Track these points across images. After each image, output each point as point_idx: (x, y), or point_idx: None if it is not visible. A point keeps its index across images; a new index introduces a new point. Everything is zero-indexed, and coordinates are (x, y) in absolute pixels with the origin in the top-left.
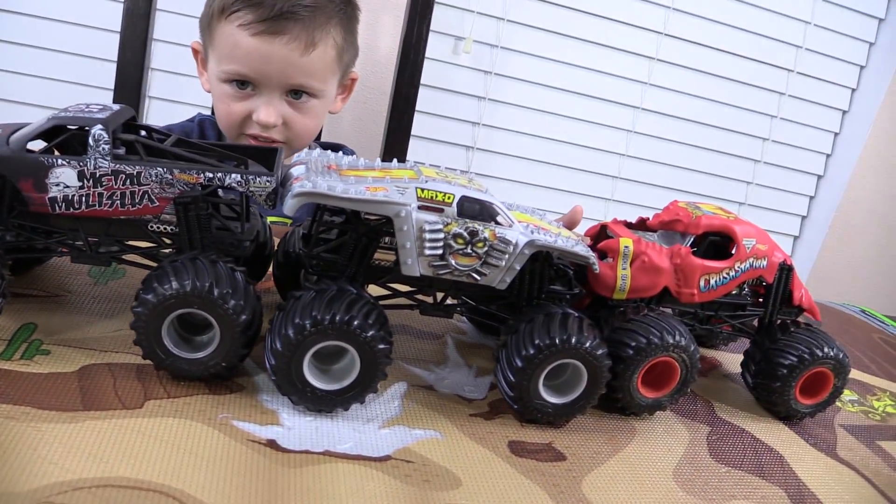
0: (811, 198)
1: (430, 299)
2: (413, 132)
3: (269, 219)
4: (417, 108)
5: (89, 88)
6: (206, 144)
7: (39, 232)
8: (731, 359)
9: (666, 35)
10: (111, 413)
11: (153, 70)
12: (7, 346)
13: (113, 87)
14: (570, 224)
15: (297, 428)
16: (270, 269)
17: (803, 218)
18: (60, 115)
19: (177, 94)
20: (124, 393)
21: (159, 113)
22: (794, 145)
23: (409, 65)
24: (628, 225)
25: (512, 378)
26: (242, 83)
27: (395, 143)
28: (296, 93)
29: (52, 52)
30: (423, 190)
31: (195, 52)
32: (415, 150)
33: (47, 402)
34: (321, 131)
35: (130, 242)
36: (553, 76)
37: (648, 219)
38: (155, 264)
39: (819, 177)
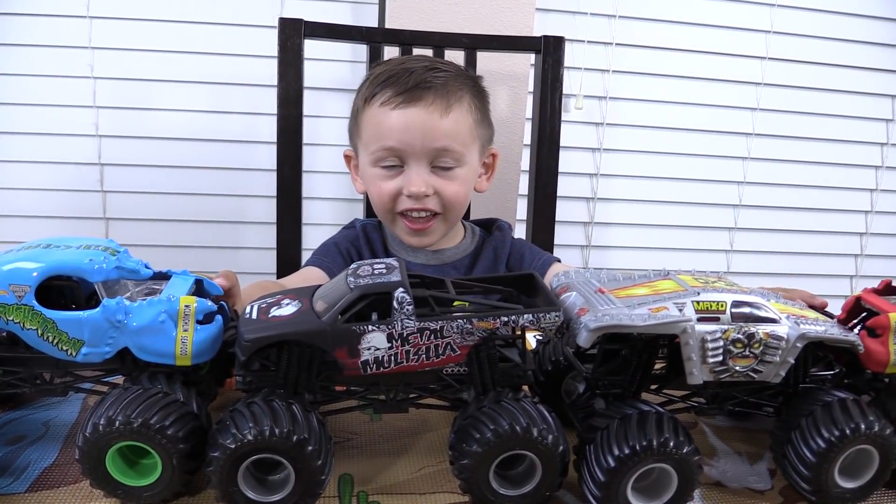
0: None
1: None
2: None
3: None
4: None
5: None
6: (468, 281)
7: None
8: None
9: (769, 59)
10: None
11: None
12: (339, 502)
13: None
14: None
15: None
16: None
17: None
18: (361, 283)
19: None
20: None
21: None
22: None
23: (547, 139)
24: (877, 291)
25: (806, 472)
26: (391, 164)
27: (542, 211)
28: (442, 164)
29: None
30: (699, 303)
31: (347, 158)
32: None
33: None
34: (470, 208)
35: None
36: (662, 117)
37: (891, 282)
38: (445, 403)
39: None
